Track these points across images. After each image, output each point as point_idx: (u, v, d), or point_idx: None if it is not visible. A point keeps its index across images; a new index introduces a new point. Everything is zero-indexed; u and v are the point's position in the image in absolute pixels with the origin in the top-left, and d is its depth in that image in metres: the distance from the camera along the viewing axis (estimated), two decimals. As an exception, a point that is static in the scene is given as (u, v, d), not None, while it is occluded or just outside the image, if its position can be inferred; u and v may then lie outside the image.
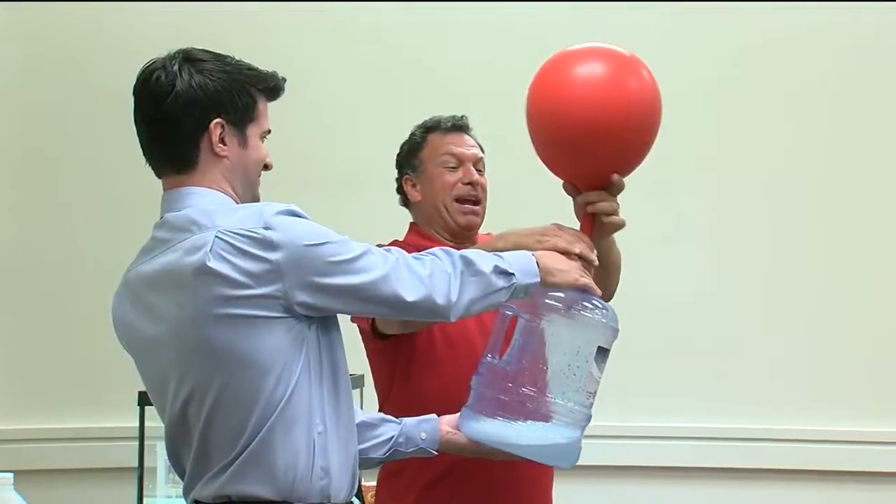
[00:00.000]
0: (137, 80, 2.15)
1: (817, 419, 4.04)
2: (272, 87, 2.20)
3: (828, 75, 4.12)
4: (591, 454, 3.75)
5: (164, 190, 2.16)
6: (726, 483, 4.05)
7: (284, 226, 2.05)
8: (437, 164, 2.76)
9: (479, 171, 2.77)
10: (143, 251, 2.15)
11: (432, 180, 2.75)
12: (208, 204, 2.10)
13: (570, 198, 2.46)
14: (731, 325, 4.08)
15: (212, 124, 2.12)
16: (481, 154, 2.79)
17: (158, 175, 2.17)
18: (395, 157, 2.83)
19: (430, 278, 2.11)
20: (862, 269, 4.10)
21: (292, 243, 2.03)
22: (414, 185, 2.78)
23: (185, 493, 2.15)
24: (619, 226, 2.44)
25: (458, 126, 2.80)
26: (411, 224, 2.82)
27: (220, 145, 2.12)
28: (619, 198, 2.42)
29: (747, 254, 4.10)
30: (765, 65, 4.12)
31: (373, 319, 2.57)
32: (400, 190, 2.82)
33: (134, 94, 2.15)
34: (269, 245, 2.02)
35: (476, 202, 2.75)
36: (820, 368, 4.06)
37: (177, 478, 2.79)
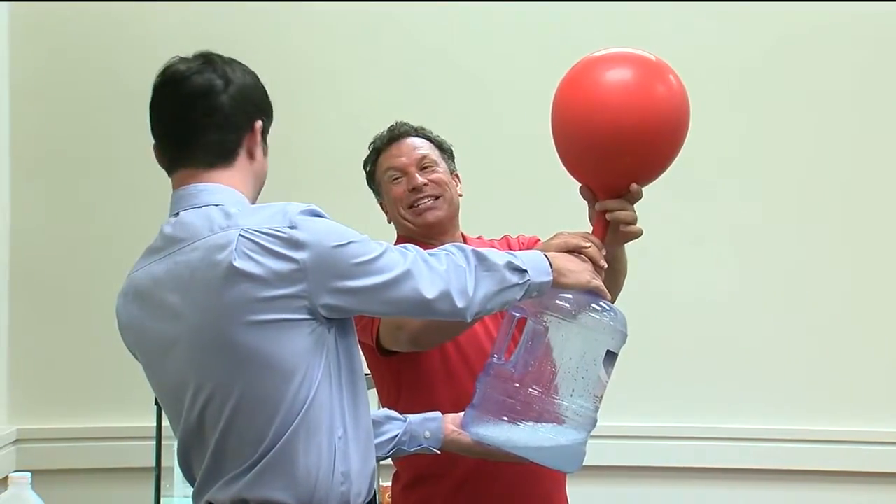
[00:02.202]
0: (178, 72, 2.15)
1: (843, 420, 4.03)
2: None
3: (854, 74, 4.10)
4: (608, 454, 3.79)
5: (183, 185, 2.15)
6: (747, 484, 4.04)
7: (309, 225, 2.05)
8: (386, 181, 2.76)
9: (425, 168, 2.74)
10: (152, 250, 2.14)
11: (389, 197, 2.76)
12: (230, 205, 2.10)
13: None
14: (757, 327, 4.06)
15: (257, 124, 2.16)
16: (424, 151, 2.76)
17: (178, 167, 2.15)
18: None
19: (447, 273, 2.11)
20: (889, 270, 4.08)
21: (319, 244, 2.03)
22: (383, 207, 2.81)
23: (197, 496, 2.12)
24: (636, 235, 2.42)
25: (393, 137, 2.79)
26: (399, 236, 2.81)
27: (257, 147, 2.17)
28: (643, 200, 2.41)
29: (772, 255, 4.09)
30: (791, 63, 4.11)
31: (377, 336, 2.56)
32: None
33: (176, 84, 2.15)
34: (296, 244, 2.02)
35: (432, 200, 2.72)
36: (845, 370, 4.05)
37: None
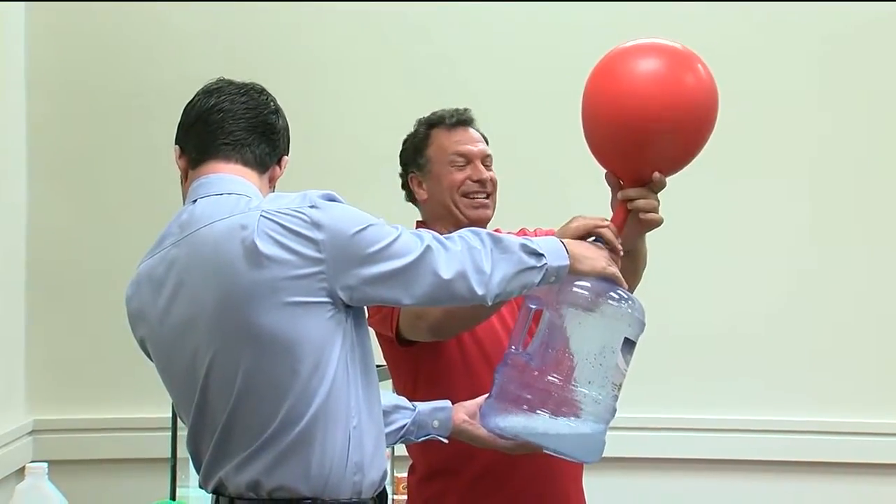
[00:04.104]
0: (234, 85, 2.26)
1: (865, 412, 4.04)
2: None
3: (863, 72, 4.12)
4: (624, 446, 3.79)
5: (207, 173, 2.19)
6: (765, 476, 4.06)
7: (328, 208, 2.08)
8: (444, 162, 2.70)
9: (486, 166, 2.72)
10: (166, 237, 2.16)
11: (440, 179, 2.70)
12: (250, 194, 2.14)
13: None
14: (776, 320, 4.07)
15: (284, 158, 2.26)
16: (489, 150, 2.74)
17: (209, 159, 2.20)
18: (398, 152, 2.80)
19: (462, 253, 2.12)
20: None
21: (337, 228, 2.06)
22: (420, 184, 2.73)
23: (206, 477, 2.14)
24: (657, 223, 2.41)
25: (463, 121, 2.75)
26: (418, 222, 2.77)
27: (277, 178, 2.26)
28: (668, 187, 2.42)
29: (790, 248, 4.10)
30: (791, 63, 4.12)
31: (397, 326, 2.56)
32: (405, 186, 2.78)
33: (234, 91, 2.24)
34: (316, 225, 2.05)
35: (486, 197, 2.71)
36: (866, 362, 4.06)
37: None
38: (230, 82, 2.27)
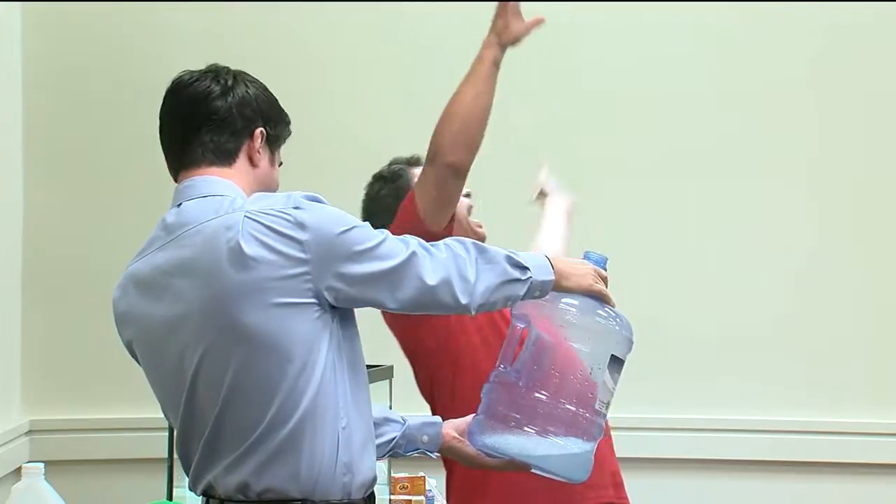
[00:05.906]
0: (182, 81, 2.23)
1: (864, 412, 4.05)
2: (289, 129, 2.29)
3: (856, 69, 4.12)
4: (624, 446, 3.78)
5: (188, 178, 2.18)
6: (765, 476, 4.06)
7: (313, 209, 2.08)
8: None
9: None
10: (153, 241, 2.16)
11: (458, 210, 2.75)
12: (234, 194, 2.13)
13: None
14: (774, 318, 4.08)
15: (256, 130, 2.20)
16: None
17: (181, 168, 2.20)
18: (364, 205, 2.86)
19: (447, 260, 2.12)
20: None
21: (321, 227, 2.05)
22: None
23: (194, 481, 2.13)
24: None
25: (419, 159, 2.79)
26: None
27: (258, 153, 2.20)
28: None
29: (788, 248, 4.10)
30: (782, 68, 4.11)
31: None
32: None
33: (179, 91, 2.22)
34: (300, 225, 2.04)
35: None
36: (866, 361, 4.08)
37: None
38: (186, 73, 2.25)
